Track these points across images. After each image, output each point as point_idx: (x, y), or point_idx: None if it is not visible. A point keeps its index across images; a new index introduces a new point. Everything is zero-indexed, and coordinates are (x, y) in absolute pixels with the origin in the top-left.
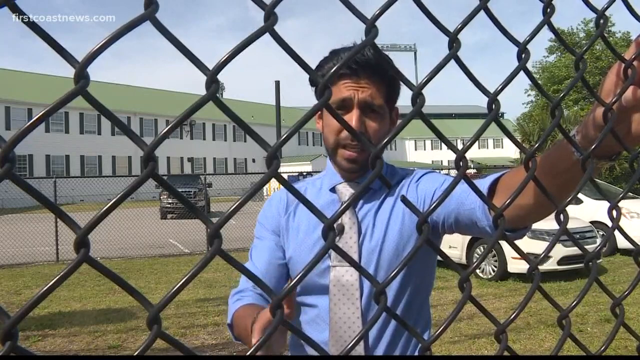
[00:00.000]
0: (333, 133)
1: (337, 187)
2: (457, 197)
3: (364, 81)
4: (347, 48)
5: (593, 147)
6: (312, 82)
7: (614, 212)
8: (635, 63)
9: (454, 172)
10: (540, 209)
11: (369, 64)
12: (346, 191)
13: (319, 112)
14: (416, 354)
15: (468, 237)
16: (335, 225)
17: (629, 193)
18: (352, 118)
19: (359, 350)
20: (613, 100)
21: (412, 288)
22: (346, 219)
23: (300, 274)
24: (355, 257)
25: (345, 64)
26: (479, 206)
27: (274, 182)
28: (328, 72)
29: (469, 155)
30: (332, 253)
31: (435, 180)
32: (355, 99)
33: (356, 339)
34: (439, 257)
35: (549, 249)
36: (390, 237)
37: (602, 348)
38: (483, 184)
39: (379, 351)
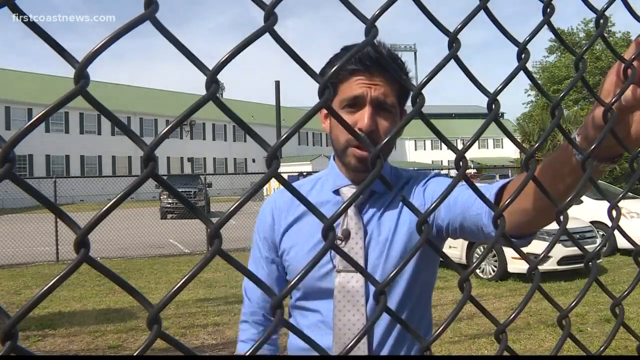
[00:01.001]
0: (344, 132)
1: (341, 189)
2: (464, 202)
3: (377, 79)
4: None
5: (592, 147)
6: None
7: (614, 212)
8: (635, 63)
9: (454, 172)
10: (545, 213)
11: (382, 61)
12: (350, 194)
13: (326, 112)
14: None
15: None
16: (341, 231)
17: (629, 193)
18: (364, 116)
19: (364, 353)
20: (613, 100)
21: (419, 290)
22: (352, 224)
23: (300, 274)
24: (361, 262)
25: (344, 64)
26: (485, 212)
27: (274, 182)
28: (331, 70)
29: (469, 155)
30: (337, 258)
31: (443, 184)
32: (368, 97)
33: (357, 337)
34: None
35: (549, 249)
36: (397, 241)
37: (602, 348)
38: (490, 190)
39: (383, 354)
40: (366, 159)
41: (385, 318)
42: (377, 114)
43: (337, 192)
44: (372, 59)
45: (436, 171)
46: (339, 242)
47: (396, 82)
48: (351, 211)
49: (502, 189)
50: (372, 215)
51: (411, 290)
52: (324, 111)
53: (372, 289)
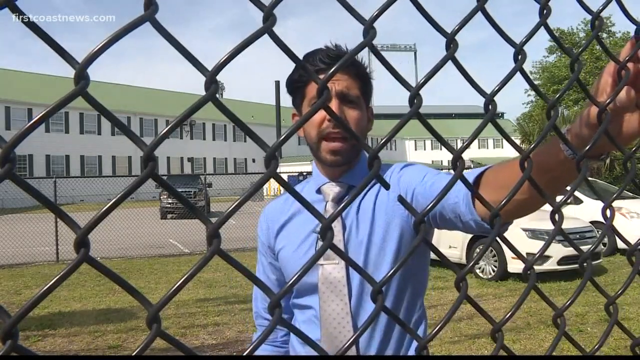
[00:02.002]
0: (315, 127)
1: (321, 187)
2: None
3: (339, 74)
4: (320, 50)
5: (588, 147)
6: (289, 89)
7: (608, 212)
8: (629, 64)
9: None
10: (527, 205)
11: (342, 58)
12: (330, 191)
13: (294, 115)
14: (410, 353)
15: (468, 237)
16: (320, 225)
17: (629, 193)
18: (332, 108)
19: (349, 351)
20: (608, 101)
21: (404, 282)
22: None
23: (299, 273)
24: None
25: (345, 62)
26: (462, 199)
27: (273, 182)
28: (303, 75)
29: (468, 155)
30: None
31: (416, 174)
32: (333, 91)
33: (356, 336)
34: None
35: (544, 249)
36: (376, 232)
37: (597, 347)
38: (468, 178)
39: (371, 351)
40: (339, 149)
41: (370, 310)
42: (343, 105)
43: (319, 191)
44: (332, 57)
45: (409, 162)
46: (319, 236)
47: (358, 78)
48: (330, 206)
49: (479, 177)
50: (351, 208)
51: (395, 281)
52: (296, 116)
53: (353, 277)
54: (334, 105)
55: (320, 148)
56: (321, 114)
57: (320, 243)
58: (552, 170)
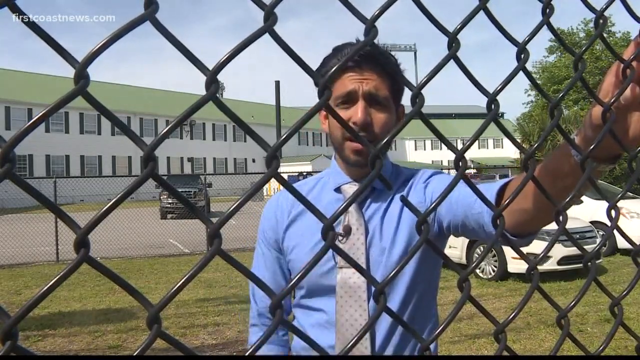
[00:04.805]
0: (340, 128)
1: (342, 187)
2: (466, 200)
3: (368, 73)
4: (350, 44)
5: (592, 147)
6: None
7: (613, 212)
8: (634, 63)
9: (454, 172)
10: (545, 213)
11: (372, 56)
12: (351, 191)
13: (324, 113)
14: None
15: None
16: (342, 227)
17: (629, 193)
18: (358, 110)
19: (366, 351)
20: (612, 100)
21: (421, 288)
22: (353, 220)
23: (300, 274)
24: (362, 258)
25: (345, 63)
26: (486, 211)
27: (274, 182)
28: (331, 70)
29: (469, 155)
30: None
31: (444, 183)
32: (360, 91)
33: (357, 336)
34: None
35: (548, 249)
36: (400, 239)
37: (601, 347)
38: (492, 189)
39: (387, 353)
40: (361, 150)
41: (388, 316)
42: (370, 107)
43: (338, 190)
44: (362, 54)
45: (437, 169)
46: (340, 238)
47: (388, 76)
48: (352, 207)
49: (503, 188)
50: (374, 212)
51: (413, 289)
52: (323, 112)
53: None
54: (360, 106)
55: (344, 148)
56: (347, 115)
57: (340, 245)
58: (567, 176)
